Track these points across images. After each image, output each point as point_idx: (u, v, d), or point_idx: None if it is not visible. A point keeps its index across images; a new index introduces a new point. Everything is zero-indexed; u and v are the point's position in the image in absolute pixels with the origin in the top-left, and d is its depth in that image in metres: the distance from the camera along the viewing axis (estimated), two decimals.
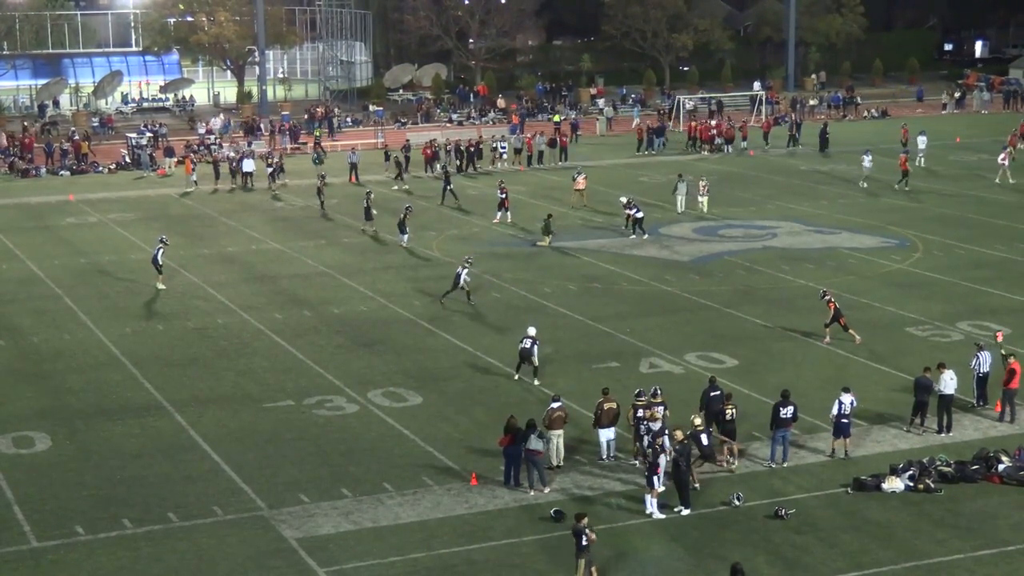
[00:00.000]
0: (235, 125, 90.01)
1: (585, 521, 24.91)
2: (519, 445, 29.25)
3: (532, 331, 36.86)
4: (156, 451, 31.85)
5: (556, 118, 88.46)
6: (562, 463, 30.47)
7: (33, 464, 31.13)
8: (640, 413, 30.49)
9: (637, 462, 30.21)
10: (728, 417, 30.65)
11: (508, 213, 57.69)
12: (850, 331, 39.37)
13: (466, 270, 43.71)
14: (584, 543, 24.70)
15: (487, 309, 43.95)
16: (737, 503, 28.38)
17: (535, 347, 36.34)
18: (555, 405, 30.67)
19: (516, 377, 36.68)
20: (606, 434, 30.82)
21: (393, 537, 27.07)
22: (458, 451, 31.61)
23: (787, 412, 30.51)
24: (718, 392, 31.51)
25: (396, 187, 67.15)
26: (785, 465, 30.37)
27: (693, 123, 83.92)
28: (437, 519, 27.86)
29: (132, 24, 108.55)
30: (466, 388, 36.28)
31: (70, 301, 45.86)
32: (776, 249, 52.73)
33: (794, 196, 64.35)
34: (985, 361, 34.04)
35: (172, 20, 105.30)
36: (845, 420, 30.87)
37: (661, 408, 30.54)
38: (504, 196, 57.83)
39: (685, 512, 27.77)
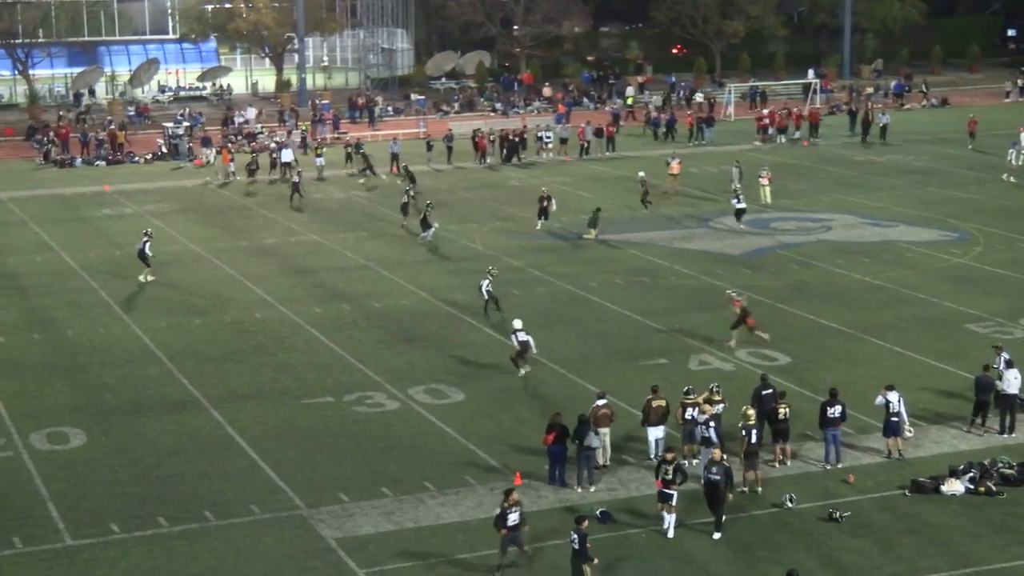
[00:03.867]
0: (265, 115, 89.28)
1: (585, 524, 24.46)
2: (564, 443, 28.79)
3: (519, 324, 36.57)
4: (192, 448, 31.59)
5: (629, 100, 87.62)
6: (608, 462, 30.06)
7: (67, 460, 30.94)
8: (689, 412, 29.90)
9: (687, 463, 29.51)
10: (781, 416, 29.99)
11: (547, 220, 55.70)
12: (757, 333, 38.39)
13: (487, 281, 42.03)
14: (582, 547, 24.18)
15: (532, 303, 43.41)
16: (790, 505, 27.87)
17: (530, 338, 36.18)
18: (601, 402, 30.18)
19: (522, 374, 36.12)
20: (655, 433, 30.28)
21: (434, 538, 26.74)
22: (501, 449, 31.18)
23: (835, 411, 29.98)
24: (770, 390, 30.97)
25: (362, 181, 65.69)
26: (839, 466, 29.81)
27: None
28: (480, 519, 27.43)
29: (169, 11, 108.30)
30: (509, 385, 35.81)
31: (105, 294, 45.58)
32: (831, 242, 51.94)
33: (849, 187, 63.38)
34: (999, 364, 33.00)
35: (209, 7, 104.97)
36: (895, 419, 30.28)
37: (721, 406, 30.01)
38: (545, 203, 54.77)
39: (716, 536, 26.74)
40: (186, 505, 28.26)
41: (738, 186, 56.50)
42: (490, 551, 25.87)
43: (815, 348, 38.42)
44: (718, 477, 26.62)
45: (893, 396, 30.32)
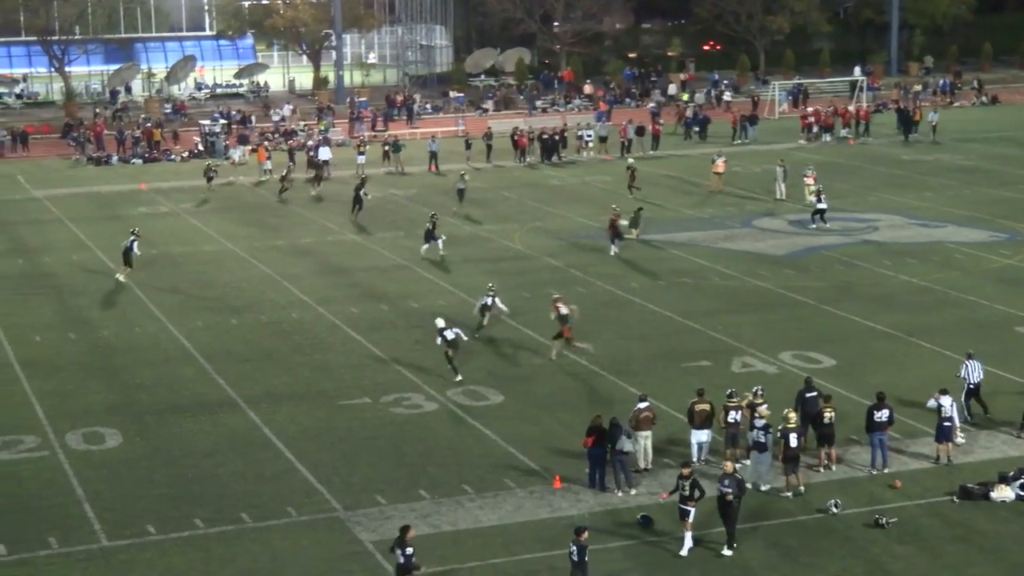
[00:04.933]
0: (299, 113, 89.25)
1: (585, 536, 23.90)
2: (604, 446, 28.47)
3: (441, 322, 36.28)
4: (229, 449, 31.40)
5: (684, 97, 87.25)
6: (650, 466, 29.69)
7: (104, 461, 30.82)
8: (732, 416, 29.49)
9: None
10: (826, 420, 29.50)
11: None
12: (574, 344, 37.61)
13: (491, 298, 40.22)
14: (581, 559, 23.65)
15: (572, 304, 42.78)
16: (835, 510, 27.45)
17: (458, 333, 35.95)
18: (642, 405, 29.80)
19: (459, 379, 35.73)
20: (698, 436, 29.92)
21: (472, 541, 26.49)
22: (540, 452, 30.83)
23: (882, 415, 29.51)
24: (814, 393, 30.58)
25: (313, 191, 63.39)
26: (886, 471, 29.37)
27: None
28: (518, 523, 27.20)
29: (206, 7, 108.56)
30: (549, 387, 35.50)
31: (141, 293, 45.46)
32: (877, 243, 51.38)
33: (897, 187, 62.74)
34: (974, 370, 32.39)
35: (247, 3, 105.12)
36: (948, 424, 29.80)
37: (766, 406, 29.51)
38: (618, 223, 50.50)
39: (728, 553, 26.04)
40: (222, 506, 28.06)
41: (816, 186, 55.74)
42: (529, 555, 25.64)
43: (861, 351, 37.92)
44: (729, 490, 26.01)
45: (946, 400, 29.83)
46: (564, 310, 37.80)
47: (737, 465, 29.00)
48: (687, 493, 26.00)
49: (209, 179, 64.08)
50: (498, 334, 39.90)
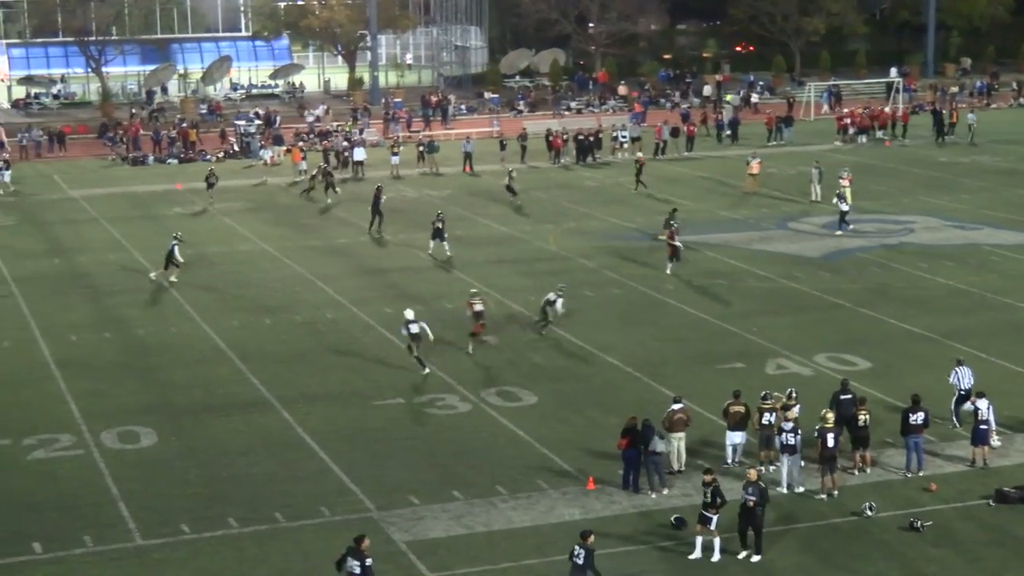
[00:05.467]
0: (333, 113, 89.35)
1: (591, 540, 23.66)
2: (639, 447, 28.37)
3: (410, 313, 36.42)
4: (263, 449, 31.42)
5: (728, 98, 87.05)
6: (683, 467, 29.53)
7: (138, 460, 30.90)
8: (767, 417, 29.35)
9: (763, 468, 28.97)
10: (861, 423, 29.32)
11: None
12: (483, 338, 38.23)
13: (560, 299, 40.05)
14: (587, 563, 23.42)
15: (606, 305, 43.00)
16: (869, 513, 27.30)
17: (423, 326, 36.17)
18: (676, 407, 29.70)
19: (426, 372, 36.21)
20: (732, 437, 29.80)
21: (505, 542, 26.42)
22: (574, 453, 30.75)
23: (917, 418, 29.29)
24: (849, 396, 30.37)
25: (330, 198, 61.75)
26: (921, 474, 29.16)
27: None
28: (552, 524, 27.11)
29: (242, 8, 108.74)
30: (583, 388, 35.38)
31: (176, 293, 45.60)
32: (913, 245, 51.08)
33: (933, 189, 62.38)
34: (964, 376, 32.08)
35: (282, 4, 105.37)
36: (984, 427, 29.58)
37: (797, 408, 29.35)
38: (678, 242, 48.11)
39: (757, 558, 25.88)
40: (256, 506, 28.09)
41: (840, 188, 55.39)
42: (561, 556, 25.39)
43: (897, 353, 37.71)
44: (753, 498, 25.79)
45: (983, 403, 29.60)
46: (478, 307, 38.41)
47: (771, 467, 29.02)
48: (708, 500, 25.84)
49: (210, 185, 61.29)
50: (532, 335, 39.85)
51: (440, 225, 49.65)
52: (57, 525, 27.28)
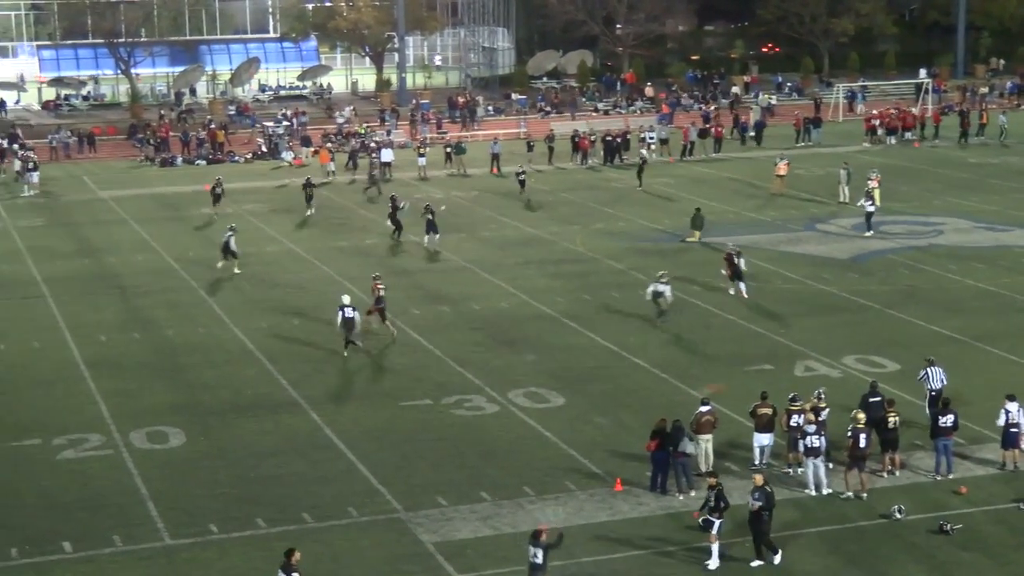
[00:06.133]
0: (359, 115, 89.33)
1: (544, 536, 23.49)
2: (667, 450, 28.31)
3: (347, 299, 37.98)
4: (291, 449, 31.45)
5: (765, 97, 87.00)
6: (711, 469, 29.19)
7: (167, 460, 30.98)
8: (795, 419, 29.23)
9: (790, 470, 29.09)
10: (891, 425, 29.18)
11: None
12: (386, 323, 39.30)
13: (668, 287, 40.48)
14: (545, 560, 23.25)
15: (633, 307, 42.81)
16: (899, 516, 27.17)
17: (356, 313, 37.54)
18: (704, 409, 29.58)
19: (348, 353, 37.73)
20: (760, 439, 29.72)
21: None
22: (602, 455, 30.70)
23: (947, 420, 29.16)
24: (879, 398, 30.21)
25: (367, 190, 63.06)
26: (950, 477, 29.02)
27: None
28: (579, 525, 27.01)
29: (270, 10, 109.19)
30: (611, 389, 35.30)
31: (204, 294, 45.77)
32: (942, 247, 50.81)
33: (962, 190, 62.01)
34: (935, 377, 31.91)
35: (310, 5, 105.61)
36: (1014, 430, 29.41)
37: (826, 411, 29.27)
38: (737, 259, 45.00)
39: (777, 559, 25.65)
40: (284, 506, 28.12)
41: (867, 188, 55.18)
42: (588, 557, 25.52)
43: (926, 355, 37.22)
44: (759, 503, 25.59)
45: (1013, 406, 29.43)
46: (381, 291, 39.35)
47: (799, 469, 28.92)
48: (712, 504, 25.66)
49: (216, 198, 59.06)
50: (558, 338, 39.82)
51: (431, 217, 50.33)
52: (87, 524, 27.39)
